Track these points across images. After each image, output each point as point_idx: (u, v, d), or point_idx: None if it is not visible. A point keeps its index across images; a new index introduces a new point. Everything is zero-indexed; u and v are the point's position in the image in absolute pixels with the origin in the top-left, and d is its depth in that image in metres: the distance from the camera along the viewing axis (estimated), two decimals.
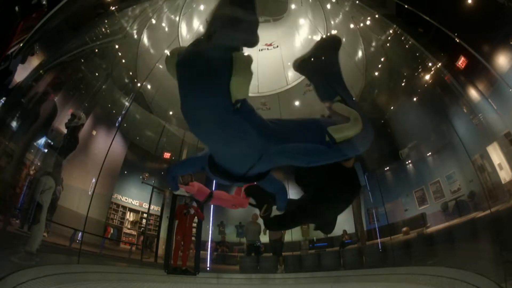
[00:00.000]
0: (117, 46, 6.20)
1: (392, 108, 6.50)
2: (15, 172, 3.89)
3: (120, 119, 6.61)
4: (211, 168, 1.59)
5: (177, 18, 7.63)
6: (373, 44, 6.57)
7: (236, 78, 1.14)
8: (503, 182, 3.64)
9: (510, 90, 3.41)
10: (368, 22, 6.37)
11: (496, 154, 3.77)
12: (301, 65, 1.87)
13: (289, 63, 9.01)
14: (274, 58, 9.13)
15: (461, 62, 4.09)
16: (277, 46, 9.30)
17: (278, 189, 2.08)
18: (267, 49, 9.34)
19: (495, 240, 3.41)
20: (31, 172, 4.15)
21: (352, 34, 7.11)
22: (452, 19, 3.92)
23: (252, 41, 1.21)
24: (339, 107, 1.67)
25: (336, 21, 7.60)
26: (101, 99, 6.11)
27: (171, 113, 8.28)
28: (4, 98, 3.20)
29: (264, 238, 6.66)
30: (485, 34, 3.61)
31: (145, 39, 6.95)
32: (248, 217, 6.94)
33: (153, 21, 7.00)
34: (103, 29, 5.33)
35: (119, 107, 6.66)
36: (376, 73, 6.92)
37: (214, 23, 1.13)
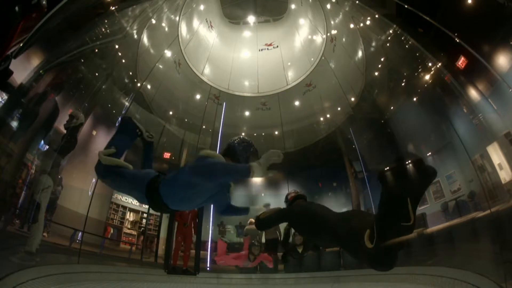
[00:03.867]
0: (117, 46, 6.20)
1: (392, 108, 6.50)
2: (15, 172, 3.89)
3: (120, 119, 6.61)
4: (151, 198, 1.88)
5: (177, 18, 7.63)
6: (373, 44, 6.57)
7: None
8: (503, 182, 3.64)
9: (510, 90, 3.40)
10: (368, 22, 6.38)
11: (496, 154, 3.77)
12: None
13: (289, 63, 9.03)
14: (274, 58, 9.14)
15: (461, 62, 4.09)
16: (277, 46, 9.31)
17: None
18: (267, 49, 9.34)
19: (495, 240, 3.41)
20: (31, 172, 4.15)
21: (352, 34, 7.11)
22: (452, 19, 3.92)
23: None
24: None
25: (336, 21, 7.60)
26: (101, 99, 6.10)
27: (171, 113, 8.28)
28: (4, 98, 3.20)
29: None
30: (485, 34, 3.61)
31: (145, 39, 6.95)
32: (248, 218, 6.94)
33: (153, 21, 7.00)
34: (103, 29, 5.33)
35: (119, 107, 6.66)
36: (376, 73, 6.92)
37: None
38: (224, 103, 8.61)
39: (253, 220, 2.66)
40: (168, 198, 1.84)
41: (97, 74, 5.78)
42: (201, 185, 1.79)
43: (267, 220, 2.54)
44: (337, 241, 2.10)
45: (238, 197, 6.85)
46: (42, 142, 4.41)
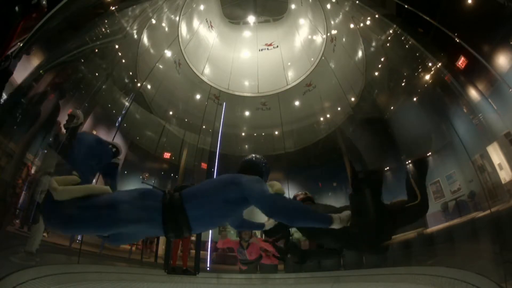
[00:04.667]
0: (117, 46, 6.20)
1: (392, 108, 6.50)
2: (15, 172, 3.88)
3: (120, 119, 6.61)
4: (172, 220, 1.48)
5: (177, 18, 7.63)
6: (373, 44, 6.56)
7: None
8: (503, 182, 3.63)
9: (510, 90, 3.40)
10: (368, 22, 6.38)
11: (496, 154, 3.76)
12: None
13: (289, 63, 9.03)
14: (274, 58, 9.15)
15: (461, 62, 4.08)
16: (277, 46, 9.31)
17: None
18: (267, 49, 9.35)
19: (495, 240, 3.41)
20: (31, 172, 4.14)
21: (352, 34, 7.11)
22: (452, 19, 3.92)
23: None
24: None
25: (336, 21, 7.60)
26: (101, 99, 6.10)
27: (171, 113, 8.29)
28: (4, 98, 3.19)
29: None
30: (485, 34, 3.61)
31: (145, 39, 6.95)
32: None
33: (153, 21, 7.00)
34: (103, 29, 5.33)
35: (119, 107, 6.66)
36: (376, 73, 6.92)
37: None
38: (224, 103, 8.61)
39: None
40: (197, 220, 1.52)
41: (97, 74, 5.78)
42: (244, 206, 1.66)
43: (274, 227, 2.56)
44: (338, 237, 2.13)
45: None
46: (42, 142, 4.41)
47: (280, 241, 4.08)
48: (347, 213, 1.69)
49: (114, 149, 1.74)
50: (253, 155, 2.11)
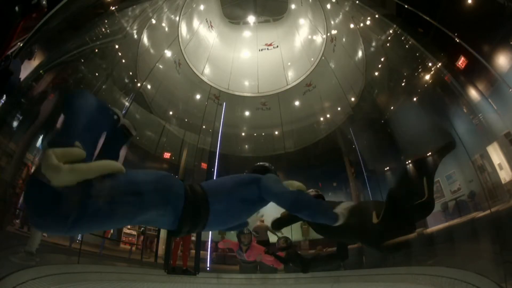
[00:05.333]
0: (117, 46, 6.20)
1: (392, 108, 6.50)
2: (15, 172, 3.88)
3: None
4: (192, 214, 1.33)
5: (177, 18, 7.63)
6: (373, 44, 6.57)
7: None
8: (503, 182, 3.63)
9: (510, 90, 3.40)
10: (368, 22, 6.38)
11: (496, 154, 3.76)
12: None
13: (289, 63, 9.03)
14: (274, 58, 9.15)
15: (461, 62, 4.08)
16: (277, 46, 9.32)
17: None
18: (267, 49, 9.35)
19: (495, 240, 3.41)
20: (31, 172, 4.14)
21: (352, 34, 7.12)
22: (452, 19, 3.92)
23: None
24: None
25: (336, 21, 7.61)
26: (101, 99, 6.10)
27: (171, 113, 8.29)
28: (4, 98, 3.19)
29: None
30: (485, 34, 3.61)
31: (145, 39, 6.95)
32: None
33: (153, 21, 7.00)
34: (103, 29, 5.33)
35: (119, 107, 6.66)
36: (376, 73, 6.92)
37: None
38: (224, 103, 8.62)
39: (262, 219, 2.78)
40: (216, 215, 1.43)
41: (97, 74, 5.78)
42: (263, 203, 1.68)
43: (281, 219, 2.60)
44: (347, 230, 2.19)
45: None
46: (42, 142, 4.41)
47: (281, 251, 4.08)
48: (345, 205, 1.75)
49: (115, 116, 1.44)
50: (264, 163, 2.16)
